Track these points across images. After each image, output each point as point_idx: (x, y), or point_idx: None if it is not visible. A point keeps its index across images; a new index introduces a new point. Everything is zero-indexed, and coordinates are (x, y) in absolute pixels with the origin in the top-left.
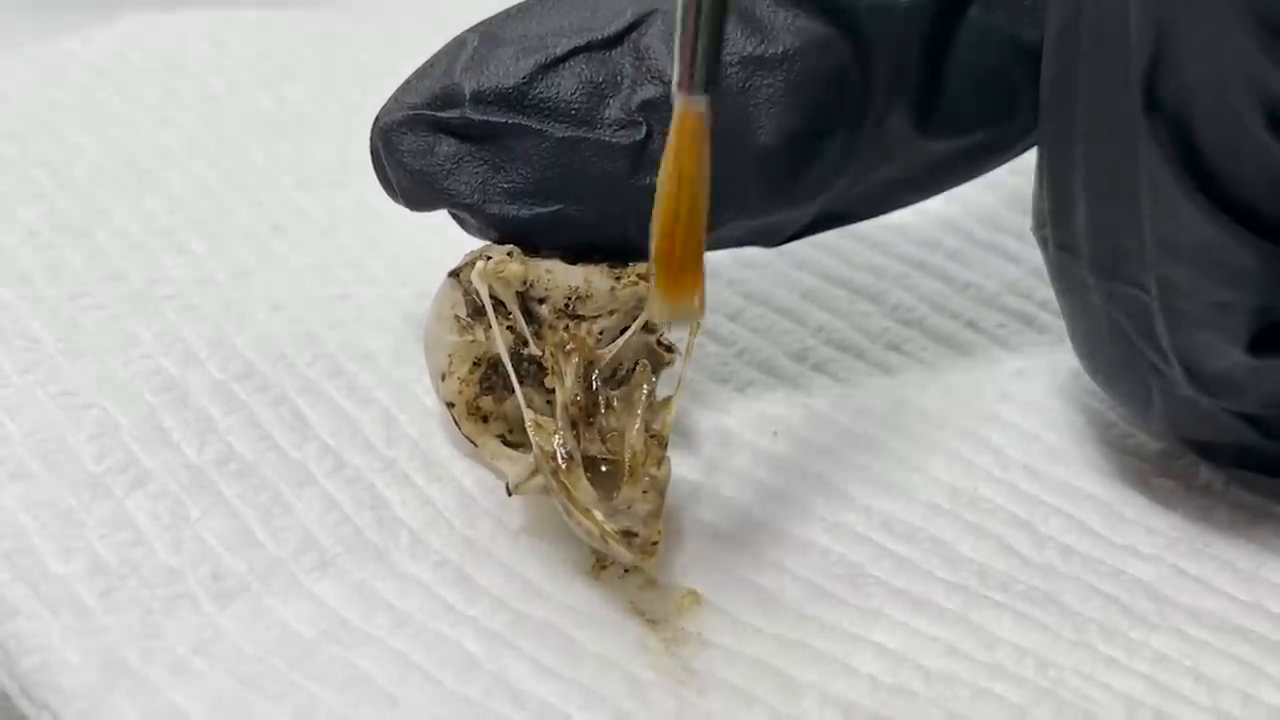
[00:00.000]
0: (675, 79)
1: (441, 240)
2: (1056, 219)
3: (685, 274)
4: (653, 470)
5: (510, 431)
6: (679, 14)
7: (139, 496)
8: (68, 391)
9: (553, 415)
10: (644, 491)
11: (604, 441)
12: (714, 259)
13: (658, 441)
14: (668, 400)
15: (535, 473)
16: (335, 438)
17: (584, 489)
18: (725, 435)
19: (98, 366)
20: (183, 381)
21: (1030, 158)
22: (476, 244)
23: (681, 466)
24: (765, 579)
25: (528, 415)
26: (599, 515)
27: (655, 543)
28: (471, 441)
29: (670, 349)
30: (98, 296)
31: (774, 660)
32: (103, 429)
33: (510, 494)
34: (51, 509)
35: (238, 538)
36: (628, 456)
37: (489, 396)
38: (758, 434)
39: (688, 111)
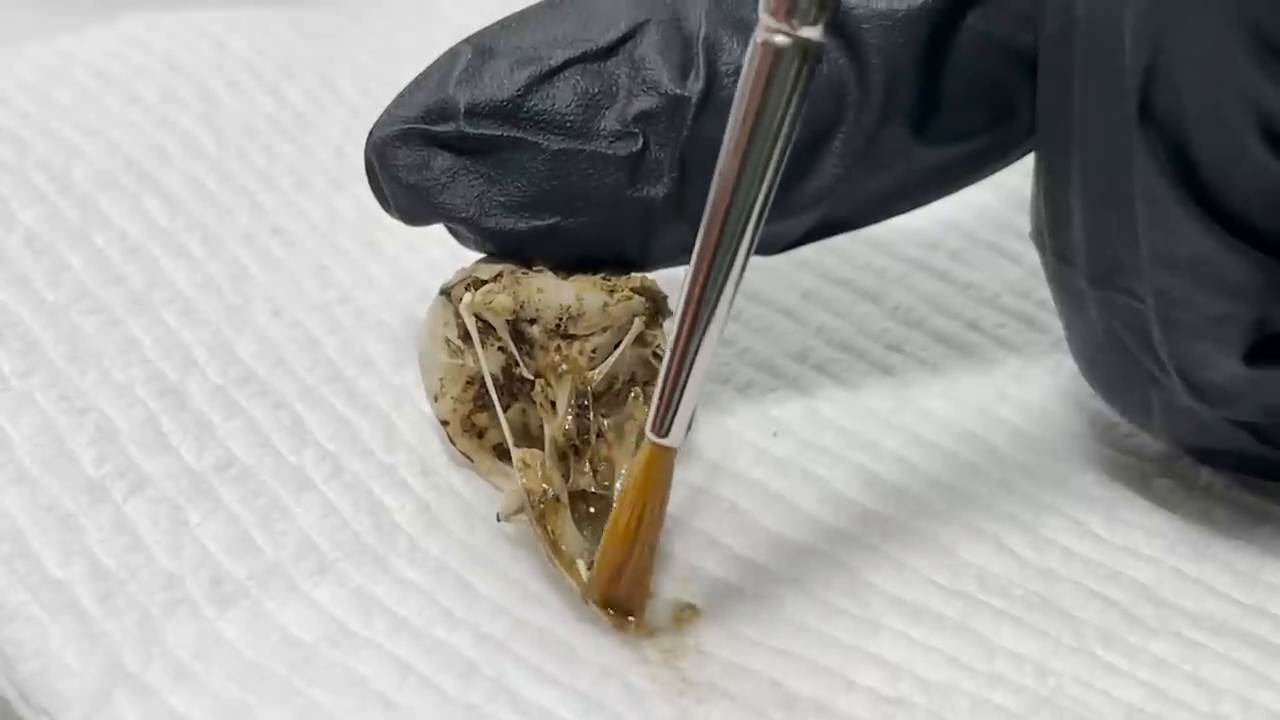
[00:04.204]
0: (650, 419)
1: (441, 244)
2: (1053, 228)
3: (630, 595)
4: None
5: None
6: (665, 358)
7: (138, 501)
8: (67, 396)
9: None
10: None
11: (595, 474)
12: None
13: None
14: None
15: (524, 507)
16: (334, 443)
17: (570, 534)
18: (725, 436)
19: (97, 371)
20: (182, 386)
21: (1032, 157)
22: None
23: (681, 468)
24: (763, 588)
25: (515, 453)
26: (581, 568)
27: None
28: (467, 457)
29: None
30: (97, 300)
31: (772, 672)
32: (102, 433)
33: (500, 521)
34: (51, 513)
35: (237, 543)
36: (617, 493)
37: (484, 413)
38: (758, 434)
39: (657, 451)
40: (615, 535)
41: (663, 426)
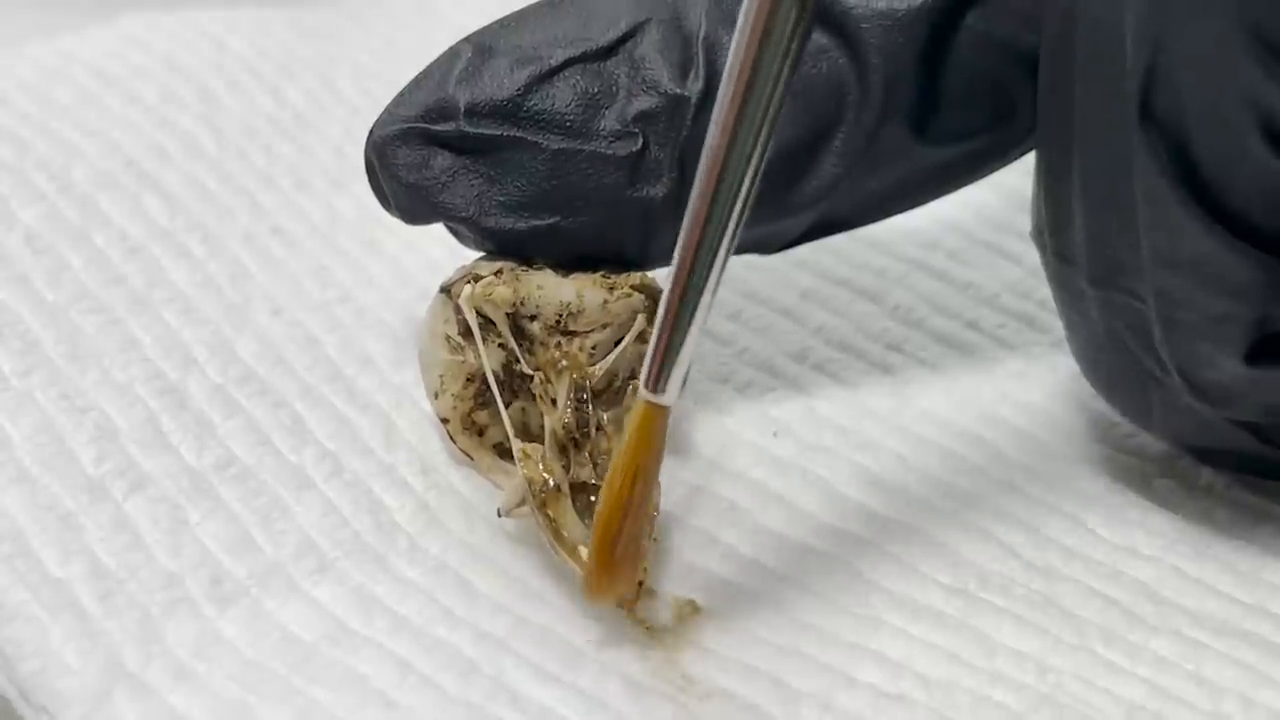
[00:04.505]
0: (644, 375)
1: (441, 243)
2: (1054, 228)
3: (623, 564)
4: None
5: (509, 439)
6: (660, 313)
7: (138, 500)
8: (67, 395)
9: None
10: None
11: (595, 466)
12: None
13: None
14: None
15: (525, 501)
16: (334, 442)
17: (571, 523)
18: (725, 435)
19: (97, 370)
20: (182, 385)
21: (1032, 156)
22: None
23: (680, 468)
24: (764, 586)
25: (515, 445)
26: (584, 553)
27: (640, 583)
28: (467, 455)
29: None
30: (97, 299)
31: (773, 669)
32: (102, 432)
33: (501, 516)
34: (51, 512)
35: (237, 541)
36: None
37: (484, 410)
38: (758, 434)
39: (651, 409)
40: (610, 496)
41: (658, 384)
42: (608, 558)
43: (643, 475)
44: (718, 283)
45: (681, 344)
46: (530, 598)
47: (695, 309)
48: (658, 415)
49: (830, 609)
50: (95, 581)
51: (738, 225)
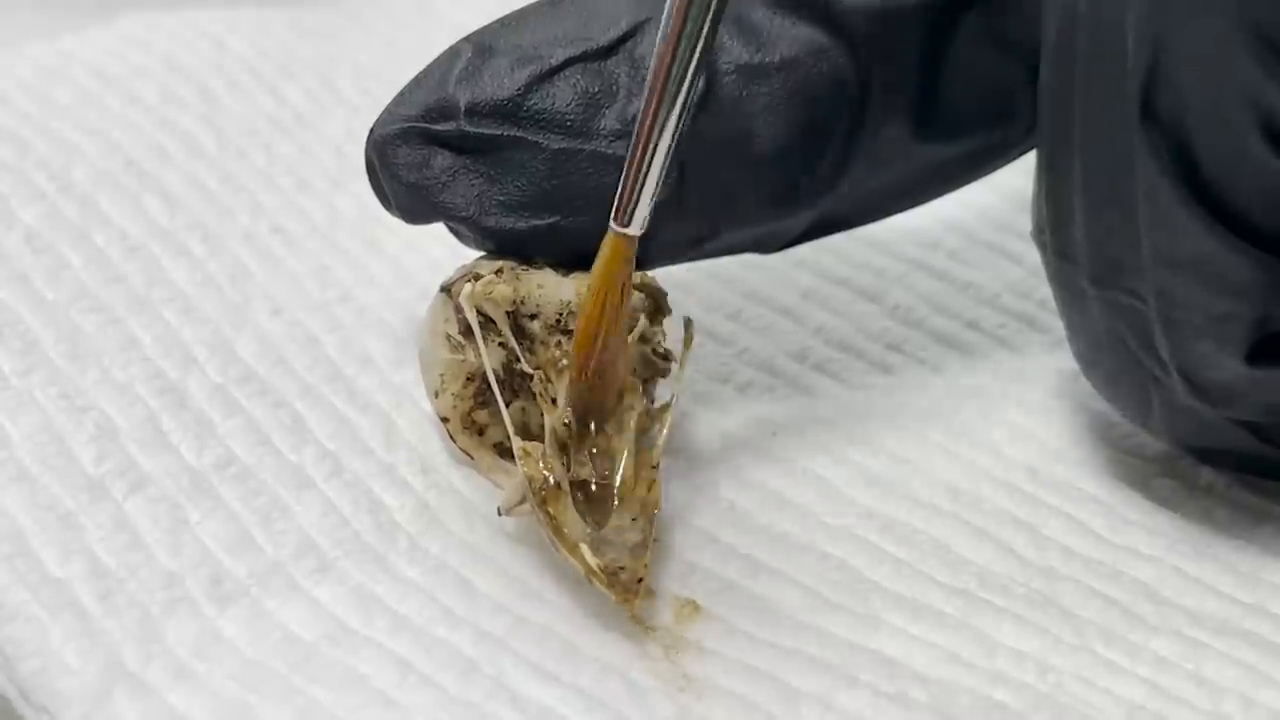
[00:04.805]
0: (613, 209)
1: (442, 242)
2: (1055, 227)
3: (604, 375)
4: (641, 494)
5: (509, 438)
6: (629, 152)
7: (138, 499)
8: (67, 394)
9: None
10: (632, 519)
11: (594, 464)
12: (714, 259)
13: (647, 462)
14: (664, 407)
15: (525, 499)
16: (334, 441)
17: (571, 520)
18: (725, 435)
19: (97, 369)
20: (182, 385)
21: (1032, 156)
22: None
23: (680, 468)
24: (764, 586)
25: (516, 444)
26: (585, 550)
27: (641, 579)
28: (467, 454)
29: (667, 357)
30: (97, 299)
31: (773, 668)
32: (102, 432)
33: (501, 515)
34: (50, 512)
35: (237, 541)
36: (617, 483)
37: (484, 410)
38: (758, 434)
39: (619, 239)
40: (583, 319)
41: (624, 216)
42: (582, 369)
43: (612, 299)
44: (679, 125)
45: (645, 181)
46: (530, 597)
47: (659, 145)
48: (625, 244)
49: (830, 608)
50: (95, 581)
51: (698, 70)
